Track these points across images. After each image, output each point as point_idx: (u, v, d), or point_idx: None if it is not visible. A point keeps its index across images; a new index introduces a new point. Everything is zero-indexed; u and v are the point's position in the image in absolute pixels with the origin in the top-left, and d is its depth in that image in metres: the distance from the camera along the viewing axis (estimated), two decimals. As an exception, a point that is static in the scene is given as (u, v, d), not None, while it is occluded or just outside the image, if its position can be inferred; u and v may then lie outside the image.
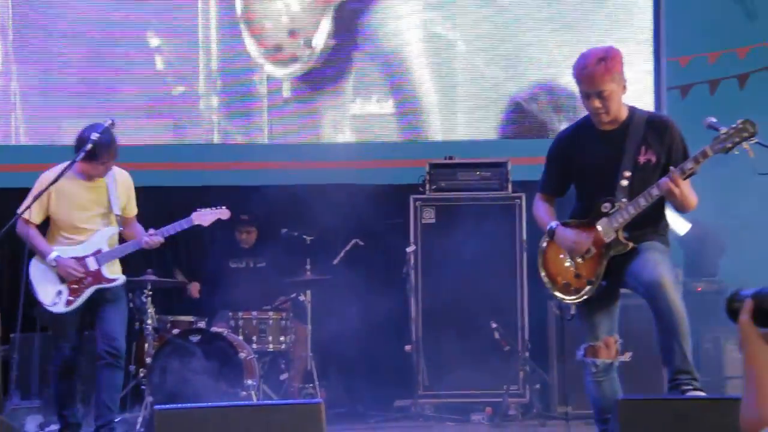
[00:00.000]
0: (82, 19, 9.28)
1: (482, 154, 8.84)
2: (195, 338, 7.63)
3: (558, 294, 5.30)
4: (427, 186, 8.59)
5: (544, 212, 5.40)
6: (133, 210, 6.70)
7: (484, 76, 9.31)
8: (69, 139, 8.63)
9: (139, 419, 7.40)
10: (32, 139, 9.28)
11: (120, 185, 6.58)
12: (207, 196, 8.00)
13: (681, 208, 5.21)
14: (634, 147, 5.15)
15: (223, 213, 6.87)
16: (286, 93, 9.37)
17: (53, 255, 6.46)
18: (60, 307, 6.47)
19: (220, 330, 7.82)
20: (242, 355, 7.63)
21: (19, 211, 6.37)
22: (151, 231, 6.53)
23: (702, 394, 4.97)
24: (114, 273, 6.57)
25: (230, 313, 8.21)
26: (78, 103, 9.19)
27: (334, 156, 9.24)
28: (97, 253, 6.50)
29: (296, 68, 9.33)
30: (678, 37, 9.23)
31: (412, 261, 8.37)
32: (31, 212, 6.45)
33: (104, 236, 6.54)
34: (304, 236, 8.53)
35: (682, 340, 4.92)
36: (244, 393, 7.53)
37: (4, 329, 7.71)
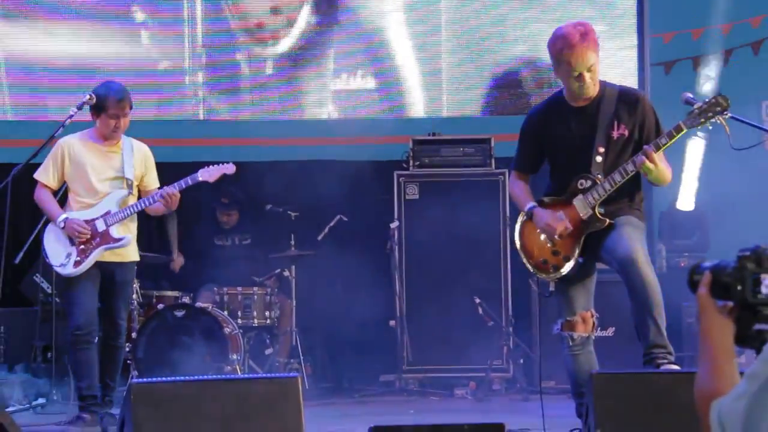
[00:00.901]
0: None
1: (466, 130, 8.85)
2: (180, 313, 7.66)
3: (536, 271, 5.33)
4: (411, 162, 8.59)
5: (521, 191, 5.40)
6: (153, 182, 6.70)
7: (468, 52, 9.30)
8: (54, 114, 8.68)
9: (124, 393, 7.42)
10: (17, 115, 9.27)
11: (137, 155, 6.62)
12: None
13: (657, 183, 5.23)
14: (606, 122, 5.15)
15: (229, 168, 6.72)
16: (269, 70, 9.36)
17: (62, 217, 6.48)
18: (68, 269, 6.45)
19: (205, 305, 7.86)
20: (227, 330, 7.68)
21: (36, 175, 6.52)
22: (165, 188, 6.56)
23: (676, 368, 5.01)
24: (122, 233, 6.53)
25: (215, 288, 8.25)
26: (63, 78, 9.16)
27: (318, 132, 9.23)
28: (106, 215, 6.50)
29: (279, 46, 9.31)
30: (661, 14, 9.21)
31: (396, 236, 8.40)
32: (48, 176, 6.53)
33: (114, 198, 6.52)
34: (289, 212, 8.55)
35: (656, 314, 4.96)
36: (229, 368, 7.58)
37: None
